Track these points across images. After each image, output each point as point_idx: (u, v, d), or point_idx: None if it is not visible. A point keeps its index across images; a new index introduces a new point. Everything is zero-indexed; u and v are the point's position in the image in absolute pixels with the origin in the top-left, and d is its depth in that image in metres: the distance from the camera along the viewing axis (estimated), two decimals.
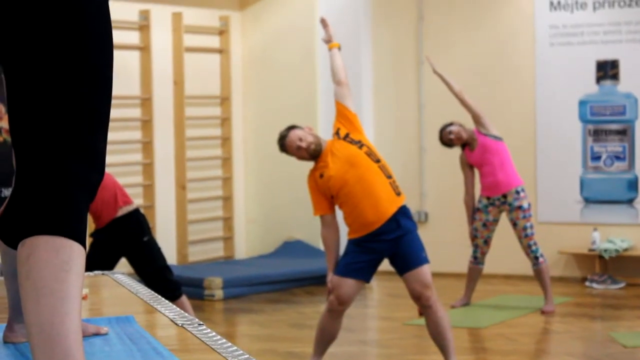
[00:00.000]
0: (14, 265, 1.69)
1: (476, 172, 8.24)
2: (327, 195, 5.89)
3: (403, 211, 5.77)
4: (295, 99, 10.06)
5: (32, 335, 1.49)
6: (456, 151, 8.39)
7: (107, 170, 3.67)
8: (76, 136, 1.60)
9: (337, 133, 5.94)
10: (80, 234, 1.56)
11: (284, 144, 5.91)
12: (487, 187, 7.78)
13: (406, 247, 5.66)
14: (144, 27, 9.26)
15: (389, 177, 5.86)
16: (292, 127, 6.00)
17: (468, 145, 7.97)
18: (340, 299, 5.72)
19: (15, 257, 1.60)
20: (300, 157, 5.91)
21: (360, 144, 5.92)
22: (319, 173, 5.91)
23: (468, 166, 8.03)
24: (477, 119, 8.04)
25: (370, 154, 5.90)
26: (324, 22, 6.16)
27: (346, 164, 5.81)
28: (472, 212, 8.01)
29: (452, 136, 7.78)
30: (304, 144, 5.75)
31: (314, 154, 5.83)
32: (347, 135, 5.94)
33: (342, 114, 6.01)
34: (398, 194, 5.80)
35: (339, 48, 6.04)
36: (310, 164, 6.35)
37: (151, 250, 6.17)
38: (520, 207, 7.55)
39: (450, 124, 7.92)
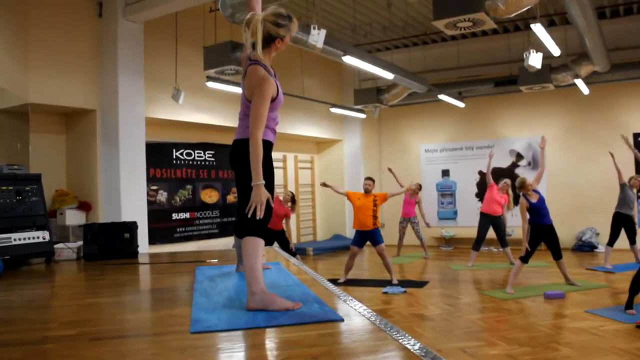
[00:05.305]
0: (240, 245, 2.92)
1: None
2: (355, 197, 8.34)
3: (373, 229, 8.51)
4: (339, 183, 13.98)
5: (246, 269, 2.61)
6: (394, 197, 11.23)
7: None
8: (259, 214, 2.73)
9: (375, 197, 8.30)
10: (263, 235, 2.83)
11: (364, 182, 8.23)
12: (404, 212, 11.53)
13: (374, 237, 8.42)
14: (283, 160, 13.59)
15: (375, 217, 8.42)
16: (370, 178, 8.36)
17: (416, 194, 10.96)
18: (353, 253, 8.56)
19: (241, 242, 2.64)
20: (364, 187, 8.22)
21: (375, 206, 8.23)
22: (358, 197, 8.55)
23: (412, 193, 11.08)
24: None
25: (374, 210, 8.28)
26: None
27: (363, 206, 8.37)
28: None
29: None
30: (366, 186, 8.39)
31: (365, 191, 8.39)
32: (375, 201, 8.39)
33: (384, 199, 8.26)
34: (373, 224, 8.48)
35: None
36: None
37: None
38: (415, 222, 11.63)
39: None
